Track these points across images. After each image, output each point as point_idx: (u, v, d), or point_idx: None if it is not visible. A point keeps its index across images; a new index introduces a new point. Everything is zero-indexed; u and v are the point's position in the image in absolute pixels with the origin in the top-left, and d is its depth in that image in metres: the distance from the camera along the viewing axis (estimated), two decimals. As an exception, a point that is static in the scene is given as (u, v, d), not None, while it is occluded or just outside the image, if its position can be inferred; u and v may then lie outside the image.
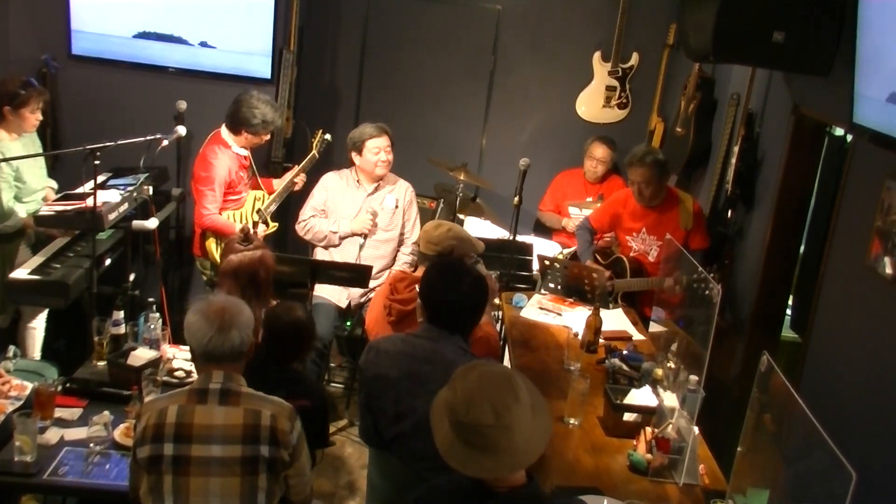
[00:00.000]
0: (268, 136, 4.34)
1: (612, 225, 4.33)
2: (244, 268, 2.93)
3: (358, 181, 4.35)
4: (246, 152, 4.31)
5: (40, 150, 4.07)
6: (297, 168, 4.44)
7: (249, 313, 2.24)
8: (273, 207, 4.38)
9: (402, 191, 4.41)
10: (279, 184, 4.44)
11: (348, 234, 4.26)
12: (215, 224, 4.17)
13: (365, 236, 4.25)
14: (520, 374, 1.79)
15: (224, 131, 4.22)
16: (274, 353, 2.67)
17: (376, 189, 4.35)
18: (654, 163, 3.99)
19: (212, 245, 4.25)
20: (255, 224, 4.27)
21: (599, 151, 4.97)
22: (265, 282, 3.00)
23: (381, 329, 3.19)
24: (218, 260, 4.20)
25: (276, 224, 4.46)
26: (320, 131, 4.49)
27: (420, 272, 3.25)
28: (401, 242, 4.42)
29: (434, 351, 2.54)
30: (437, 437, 1.76)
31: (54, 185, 4.20)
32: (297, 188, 4.46)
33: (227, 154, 4.18)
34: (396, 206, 4.36)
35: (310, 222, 4.30)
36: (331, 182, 4.38)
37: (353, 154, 4.31)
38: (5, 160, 3.71)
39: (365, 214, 4.26)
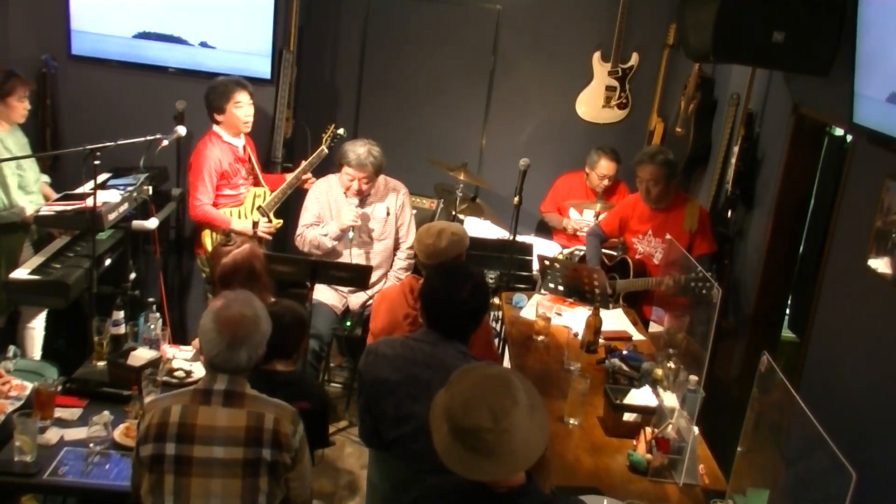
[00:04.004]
0: (250, 105, 4.26)
1: (621, 229, 4.34)
2: (241, 265, 2.93)
3: (346, 192, 4.21)
4: (240, 142, 4.32)
5: (27, 144, 4.08)
6: (304, 164, 4.42)
7: (266, 326, 2.23)
8: (276, 202, 4.38)
9: (393, 196, 4.29)
10: (289, 176, 4.43)
11: (338, 233, 4.16)
12: (207, 215, 4.19)
13: (353, 228, 4.13)
14: (516, 373, 1.78)
15: (215, 126, 4.27)
16: (275, 348, 2.64)
17: (364, 200, 4.22)
18: (664, 162, 4.01)
19: (207, 240, 4.26)
20: (255, 223, 4.27)
21: (605, 167, 4.88)
22: (262, 272, 3.00)
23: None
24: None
25: (281, 221, 4.46)
26: (332, 126, 4.44)
27: None
28: (396, 248, 4.35)
29: (433, 355, 2.53)
30: (436, 439, 1.76)
31: (48, 178, 4.22)
32: (306, 185, 4.43)
33: (217, 144, 4.23)
34: (388, 214, 4.25)
35: (304, 234, 4.23)
36: (321, 192, 4.27)
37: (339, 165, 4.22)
38: (6, 160, 3.72)
39: (347, 208, 4.13)
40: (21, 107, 3.89)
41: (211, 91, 4.24)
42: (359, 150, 4.07)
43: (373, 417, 2.59)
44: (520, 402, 1.69)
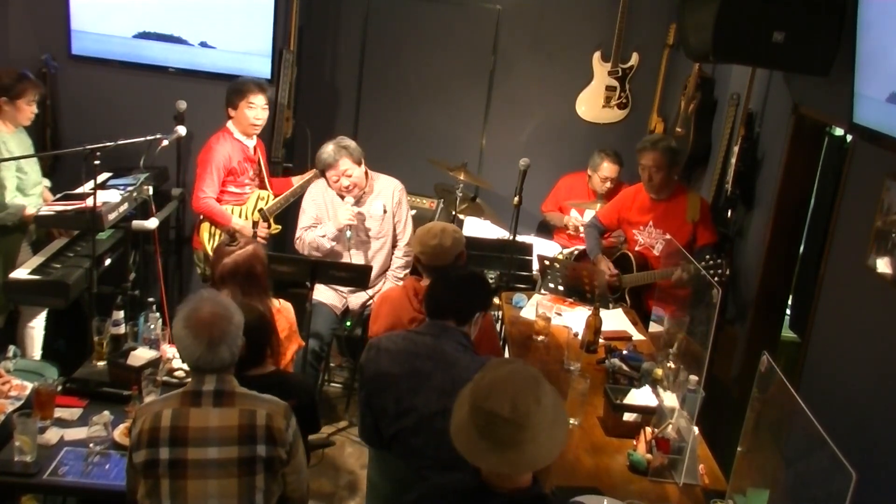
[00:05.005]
0: (263, 108, 4.27)
1: (620, 221, 4.34)
2: (241, 266, 2.92)
3: (342, 195, 4.19)
4: (251, 142, 4.33)
5: (31, 146, 4.09)
6: (310, 174, 4.40)
7: (239, 318, 2.22)
8: (278, 207, 4.38)
9: (388, 193, 4.25)
10: (297, 180, 4.44)
11: (335, 234, 4.13)
12: (209, 209, 4.21)
13: (350, 228, 4.11)
14: (551, 386, 1.79)
15: (229, 122, 4.30)
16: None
17: (361, 199, 4.20)
18: (667, 149, 4.03)
19: (204, 235, 4.27)
20: (255, 224, 4.27)
21: (608, 169, 4.86)
22: (262, 275, 2.99)
23: None
24: (210, 252, 4.23)
25: (279, 227, 4.46)
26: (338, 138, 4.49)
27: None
28: (394, 245, 4.32)
29: (435, 348, 2.54)
30: (454, 419, 1.77)
31: (48, 183, 4.22)
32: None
33: (229, 141, 4.26)
34: (385, 212, 4.23)
35: (303, 236, 4.22)
36: (318, 194, 4.25)
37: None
38: (5, 160, 3.73)
39: (344, 207, 4.11)
40: (29, 110, 3.90)
41: (231, 86, 4.29)
42: (327, 149, 4.08)
43: (373, 413, 2.60)
44: (543, 406, 1.70)
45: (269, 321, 2.72)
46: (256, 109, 4.26)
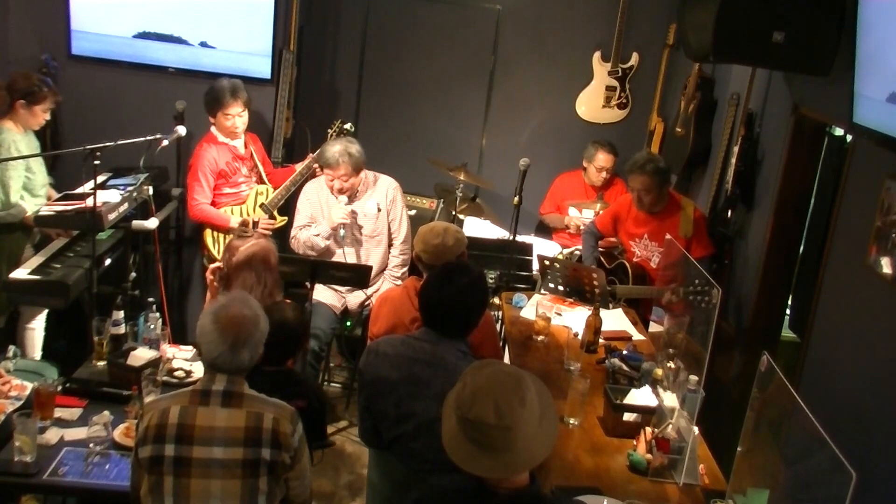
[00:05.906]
0: (240, 116, 4.26)
1: (616, 227, 4.33)
2: (258, 256, 2.94)
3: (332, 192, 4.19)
4: (238, 141, 4.34)
5: (38, 147, 4.10)
6: (309, 159, 4.39)
7: (265, 325, 2.23)
8: (279, 199, 4.38)
9: (382, 191, 4.25)
10: (299, 166, 4.43)
11: (329, 232, 4.14)
12: (205, 214, 4.23)
13: (343, 226, 4.12)
14: (535, 378, 1.78)
15: (213, 127, 4.33)
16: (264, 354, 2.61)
17: (354, 197, 4.20)
18: (655, 171, 3.98)
19: (208, 240, 4.29)
20: (255, 223, 4.27)
21: (603, 159, 4.92)
22: (276, 267, 3.01)
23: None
24: (214, 254, 4.23)
25: (285, 218, 4.45)
26: (339, 121, 4.44)
27: None
28: (390, 244, 4.32)
29: (434, 354, 2.53)
30: (444, 430, 1.77)
31: (51, 180, 4.24)
32: (318, 173, 4.40)
33: (215, 145, 4.29)
34: (379, 210, 4.22)
35: (298, 236, 4.22)
36: (312, 193, 4.26)
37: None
38: (8, 159, 3.73)
39: (337, 206, 4.11)
40: (43, 116, 3.96)
41: (207, 93, 4.29)
42: (333, 149, 4.06)
43: (373, 417, 2.59)
44: (528, 404, 1.70)
45: (298, 335, 2.74)
46: (234, 119, 4.27)
